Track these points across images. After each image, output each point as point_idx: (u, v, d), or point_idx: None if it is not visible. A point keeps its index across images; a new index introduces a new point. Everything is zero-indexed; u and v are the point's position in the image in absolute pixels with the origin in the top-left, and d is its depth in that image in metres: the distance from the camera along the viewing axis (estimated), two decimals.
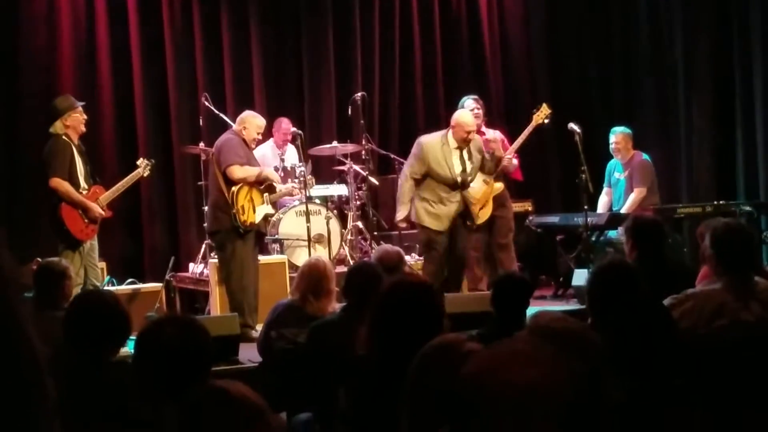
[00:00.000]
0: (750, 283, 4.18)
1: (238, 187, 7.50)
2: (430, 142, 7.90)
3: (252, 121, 7.74)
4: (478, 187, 8.20)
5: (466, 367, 1.42)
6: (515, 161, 8.74)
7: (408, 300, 3.31)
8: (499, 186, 8.55)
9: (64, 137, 7.28)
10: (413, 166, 7.88)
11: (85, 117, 7.45)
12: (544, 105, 8.69)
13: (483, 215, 8.42)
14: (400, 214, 7.98)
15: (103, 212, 7.46)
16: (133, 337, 6.48)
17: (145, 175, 7.98)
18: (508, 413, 1.35)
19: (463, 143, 7.85)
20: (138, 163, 7.96)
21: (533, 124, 8.65)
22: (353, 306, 4.46)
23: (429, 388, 2.47)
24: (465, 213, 8.03)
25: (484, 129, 8.70)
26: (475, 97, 8.81)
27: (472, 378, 1.40)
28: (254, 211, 7.64)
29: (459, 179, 7.85)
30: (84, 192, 7.39)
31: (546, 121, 8.68)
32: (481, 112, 8.63)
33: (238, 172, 7.51)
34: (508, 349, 1.43)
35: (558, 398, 1.36)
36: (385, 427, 2.81)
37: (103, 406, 3.19)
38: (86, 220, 7.32)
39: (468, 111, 8.15)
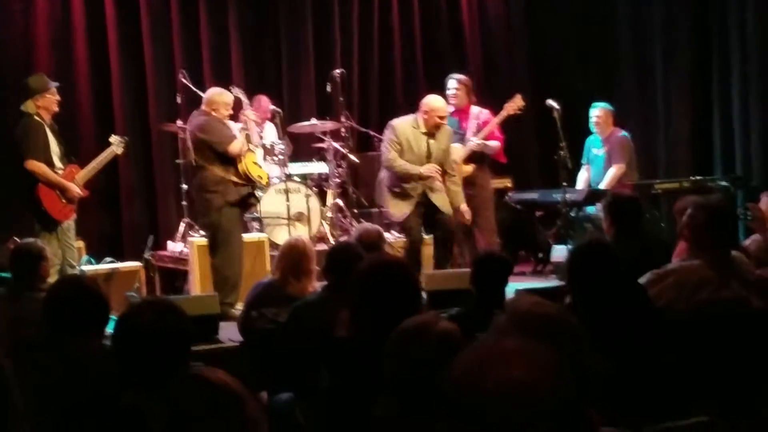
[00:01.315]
0: (729, 260, 4.22)
1: (242, 163, 7.48)
2: (402, 124, 7.80)
3: (219, 100, 7.69)
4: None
5: (453, 369, 1.42)
6: (496, 143, 8.75)
7: (383, 279, 3.32)
8: (467, 169, 8.57)
9: (36, 117, 7.22)
10: (391, 151, 7.75)
11: (59, 98, 7.38)
12: (518, 96, 8.67)
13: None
14: (422, 170, 7.70)
15: (80, 192, 7.41)
16: (113, 317, 6.53)
17: (119, 152, 7.89)
18: (498, 414, 1.35)
19: (434, 129, 7.73)
20: (111, 140, 7.86)
21: (504, 113, 8.64)
22: (334, 286, 4.47)
23: (404, 369, 2.48)
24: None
25: (471, 108, 8.71)
26: (459, 77, 8.79)
27: (459, 380, 1.40)
28: (260, 167, 7.79)
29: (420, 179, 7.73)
30: (60, 172, 7.33)
31: (518, 112, 8.67)
32: (461, 93, 8.62)
33: (236, 146, 7.51)
34: (495, 348, 1.43)
35: (549, 396, 1.36)
36: (366, 408, 2.82)
37: (83, 391, 3.20)
38: (64, 201, 7.28)
39: (438, 97, 7.99)
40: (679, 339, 3.59)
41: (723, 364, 3.59)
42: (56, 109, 7.38)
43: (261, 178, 7.71)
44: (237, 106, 8.04)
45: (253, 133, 8.06)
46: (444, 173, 7.85)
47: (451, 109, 8.52)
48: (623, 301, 2.80)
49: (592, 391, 1.99)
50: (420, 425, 2.34)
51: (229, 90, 8.06)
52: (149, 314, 2.47)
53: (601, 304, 2.81)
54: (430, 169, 7.69)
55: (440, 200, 7.85)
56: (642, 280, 4.11)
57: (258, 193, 8.18)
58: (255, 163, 7.71)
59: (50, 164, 7.28)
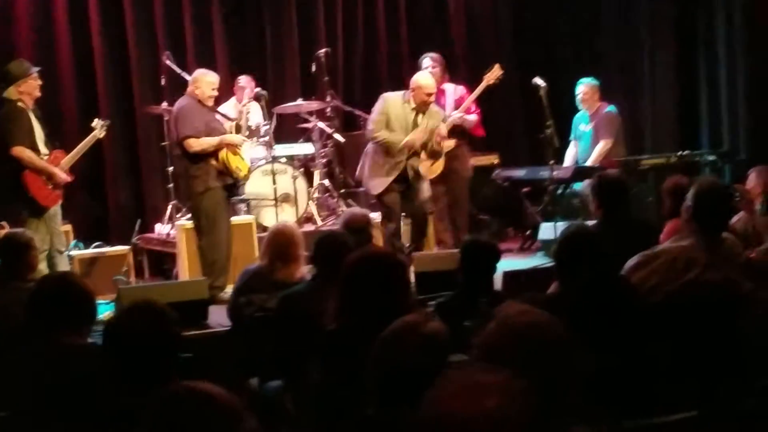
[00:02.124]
0: (719, 242, 4.23)
1: (222, 152, 7.44)
2: (393, 98, 7.87)
3: (203, 79, 7.61)
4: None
5: (425, 404, 1.42)
6: (474, 117, 8.75)
7: (371, 272, 3.32)
8: (450, 143, 8.58)
9: (18, 103, 7.16)
10: (377, 122, 7.81)
11: (40, 82, 7.32)
12: (497, 66, 8.64)
13: (435, 170, 8.49)
14: (407, 140, 7.76)
15: (66, 177, 7.38)
16: (101, 301, 6.52)
17: (101, 136, 7.84)
18: None
19: (423, 106, 7.79)
20: (93, 125, 7.81)
21: (483, 84, 8.63)
22: (322, 275, 4.47)
23: (391, 372, 2.49)
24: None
25: (445, 86, 8.71)
26: (433, 55, 8.80)
27: (431, 415, 1.40)
28: (243, 159, 7.70)
29: (402, 150, 7.75)
30: (45, 157, 7.29)
31: (497, 82, 8.66)
32: (437, 70, 8.62)
33: (194, 145, 7.36)
34: (466, 380, 1.43)
35: (521, 426, 1.37)
36: (355, 401, 2.83)
37: (64, 385, 3.21)
38: (50, 186, 7.24)
39: (427, 74, 8.05)
40: (665, 323, 3.61)
41: (708, 349, 3.62)
42: (38, 94, 7.32)
43: (240, 169, 7.58)
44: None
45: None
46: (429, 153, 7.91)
47: None
48: (609, 292, 2.80)
49: (578, 393, 1.99)
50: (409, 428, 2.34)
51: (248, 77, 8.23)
52: (138, 319, 2.46)
53: (588, 294, 2.81)
54: (412, 138, 7.74)
55: (423, 168, 7.98)
56: (631, 262, 4.12)
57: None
58: (236, 155, 7.61)
59: (35, 150, 7.23)
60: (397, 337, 2.53)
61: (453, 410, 1.38)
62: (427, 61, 8.71)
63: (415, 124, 7.83)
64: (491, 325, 2.05)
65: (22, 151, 7.13)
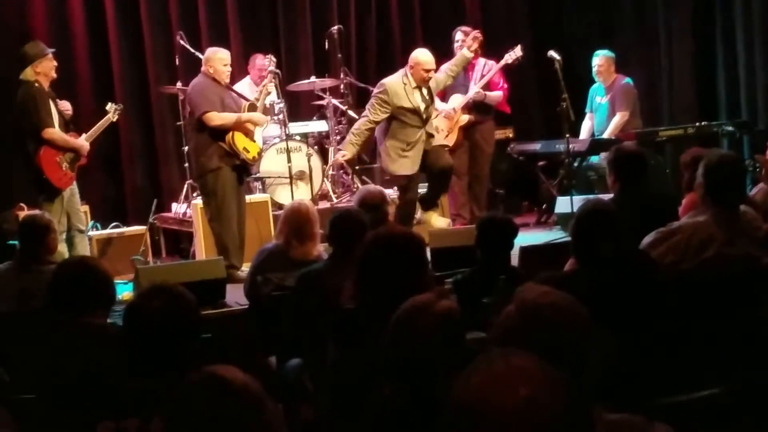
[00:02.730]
0: (737, 217, 4.19)
1: (230, 134, 7.44)
2: (393, 82, 7.80)
3: (214, 56, 7.62)
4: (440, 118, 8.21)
5: (456, 390, 1.40)
6: (499, 93, 8.74)
7: (387, 252, 3.31)
8: (464, 117, 8.59)
9: (36, 85, 7.17)
10: (376, 111, 7.73)
11: (55, 63, 7.32)
12: (519, 47, 8.61)
13: (448, 142, 8.62)
14: (346, 155, 7.86)
15: (87, 147, 7.37)
16: (119, 281, 6.54)
17: (114, 119, 7.85)
18: None
19: (423, 82, 7.75)
20: (107, 108, 7.82)
21: (502, 62, 8.61)
22: (339, 254, 4.46)
23: (405, 353, 2.49)
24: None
25: (477, 60, 8.71)
26: (465, 29, 8.78)
27: (463, 402, 1.39)
28: (254, 141, 7.68)
29: (424, 115, 7.77)
30: None
31: (516, 62, 8.63)
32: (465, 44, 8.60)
33: (215, 119, 7.40)
34: (500, 367, 1.41)
35: (556, 415, 1.35)
36: (373, 380, 2.83)
37: (84, 367, 3.23)
38: (64, 168, 7.23)
39: (425, 51, 7.95)
40: (686, 299, 3.60)
41: (729, 324, 3.61)
42: (54, 75, 7.31)
43: (247, 151, 7.57)
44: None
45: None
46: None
47: None
48: (628, 268, 2.78)
49: (599, 375, 1.98)
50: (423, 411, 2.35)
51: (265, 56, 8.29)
52: (158, 302, 2.47)
53: (606, 271, 2.80)
54: (341, 158, 7.94)
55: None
56: (648, 239, 4.09)
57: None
58: (247, 136, 7.60)
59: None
60: (409, 317, 2.53)
61: (485, 399, 1.36)
62: (459, 35, 8.72)
63: (424, 99, 7.80)
64: (511, 307, 2.04)
65: (53, 133, 7.14)
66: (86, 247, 7.41)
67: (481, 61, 8.80)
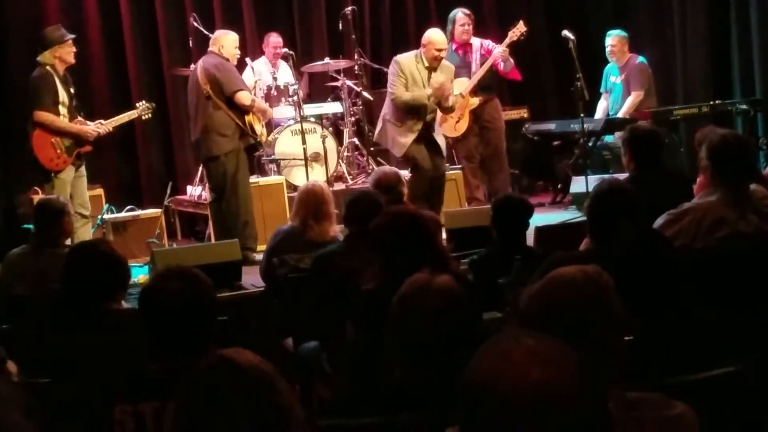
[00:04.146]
0: (747, 194, 4.17)
1: (250, 115, 7.47)
2: (406, 59, 7.82)
3: (225, 37, 7.65)
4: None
5: (470, 370, 1.40)
6: (510, 62, 8.65)
7: (402, 232, 3.32)
8: (474, 101, 8.56)
9: (48, 68, 7.17)
10: (398, 86, 7.76)
11: (74, 49, 7.33)
12: (521, 22, 8.56)
13: (459, 128, 8.59)
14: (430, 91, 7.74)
15: (94, 132, 7.30)
16: (135, 264, 6.55)
17: (144, 118, 7.84)
18: (517, 418, 1.34)
19: (435, 62, 7.74)
20: (137, 105, 7.82)
21: (507, 40, 8.56)
22: (355, 235, 4.46)
23: (410, 334, 2.49)
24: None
25: (472, 40, 8.68)
26: (467, 11, 8.72)
27: (476, 382, 1.38)
28: (263, 126, 7.77)
29: (431, 100, 7.73)
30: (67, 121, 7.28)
31: (521, 38, 8.58)
32: (470, 28, 8.61)
33: (246, 98, 7.47)
34: (513, 348, 1.40)
35: (571, 398, 1.35)
36: (389, 361, 2.83)
37: (101, 349, 3.25)
38: (58, 151, 7.22)
39: (438, 30, 7.98)
40: (700, 278, 3.59)
41: (743, 301, 3.60)
42: (72, 60, 7.32)
43: (263, 134, 7.72)
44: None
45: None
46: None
47: (453, 45, 8.63)
48: (644, 248, 2.78)
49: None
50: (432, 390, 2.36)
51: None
52: (174, 284, 2.47)
53: (623, 251, 2.79)
54: (434, 85, 7.72)
55: (448, 127, 8.14)
56: (660, 220, 4.09)
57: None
58: (259, 121, 7.68)
59: (56, 114, 7.22)
60: (409, 298, 2.53)
61: (497, 380, 1.36)
62: (462, 17, 8.70)
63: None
64: (534, 285, 2.04)
65: (43, 115, 7.14)
66: (88, 233, 7.32)
67: (476, 40, 8.74)
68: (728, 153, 4.15)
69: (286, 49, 8.99)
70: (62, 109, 7.25)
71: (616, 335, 1.98)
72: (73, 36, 7.36)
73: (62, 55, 7.21)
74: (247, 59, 9.06)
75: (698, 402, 1.95)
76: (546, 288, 2.01)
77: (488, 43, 8.69)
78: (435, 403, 2.34)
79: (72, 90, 7.34)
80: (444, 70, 7.84)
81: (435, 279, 2.61)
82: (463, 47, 8.70)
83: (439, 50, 7.74)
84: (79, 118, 7.35)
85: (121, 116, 7.63)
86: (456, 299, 2.56)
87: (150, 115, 7.86)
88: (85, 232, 7.25)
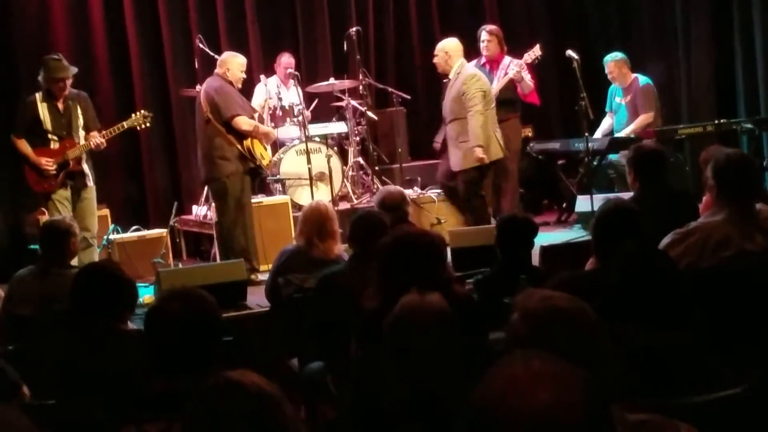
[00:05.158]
0: (753, 213, 4.17)
1: (248, 140, 7.49)
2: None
3: (233, 60, 7.68)
4: None
5: (476, 393, 1.40)
6: (530, 83, 8.70)
7: (407, 253, 3.33)
8: None
9: (40, 94, 7.23)
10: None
11: (68, 86, 7.27)
12: (537, 46, 8.61)
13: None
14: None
15: (49, 167, 7.19)
16: (141, 284, 6.56)
17: (142, 127, 7.80)
18: None
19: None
20: (136, 114, 7.81)
21: (521, 62, 8.61)
22: (360, 255, 4.47)
23: (404, 354, 2.51)
24: None
25: (505, 58, 8.76)
26: (490, 27, 8.91)
27: (483, 405, 1.38)
28: (266, 149, 7.82)
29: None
30: (55, 145, 7.27)
31: (535, 61, 8.63)
32: (492, 43, 8.74)
33: (244, 124, 7.48)
34: (521, 370, 1.41)
35: (578, 420, 1.34)
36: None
37: (107, 369, 3.25)
38: (43, 172, 7.21)
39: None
40: (706, 297, 3.59)
41: (749, 315, 3.59)
42: (66, 93, 7.27)
43: (263, 158, 7.72)
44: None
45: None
46: None
47: (483, 60, 8.78)
48: (649, 267, 2.78)
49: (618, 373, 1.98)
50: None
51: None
52: (177, 305, 2.48)
53: (628, 270, 2.79)
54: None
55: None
56: (665, 240, 4.09)
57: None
58: (261, 144, 7.70)
59: (43, 138, 7.23)
60: (402, 320, 2.55)
61: (506, 403, 1.36)
62: (484, 34, 8.81)
63: None
64: (514, 317, 2.05)
65: (12, 139, 7.27)
66: (90, 258, 7.20)
67: (507, 59, 8.81)
68: (733, 172, 4.15)
69: (291, 70, 9.04)
70: (49, 135, 7.24)
71: (600, 358, 1.98)
72: (75, 70, 7.34)
73: (52, 88, 7.22)
74: (262, 76, 9.10)
75: (703, 424, 1.95)
76: (521, 320, 2.02)
77: (516, 62, 8.70)
78: (437, 420, 2.34)
79: (79, 110, 7.35)
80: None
81: (425, 299, 2.63)
82: (491, 63, 8.77)
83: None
84: (66, 141, 7.31)
85: (113, 128, 7.56)
86: (445, 317, 2.59)
87: (149, 123, 7.79)
88: (85, 257, 7.11)
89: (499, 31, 8.88)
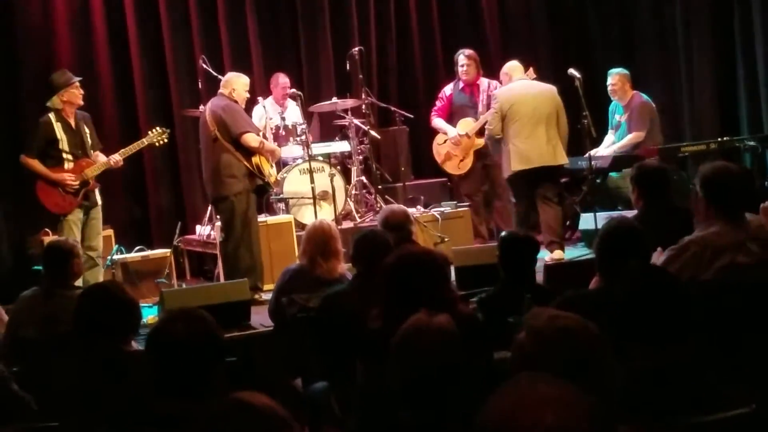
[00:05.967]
0: (744, 223, 4.16)
1: (257, 157, 7.52)
2: None
3: (237, 81, 7.73)
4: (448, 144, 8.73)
5: (485, 414, 1.40)
6: None
7: (411, 272, 3.32)
8: (480, 141, 8.71)
9: (52, 114, 7.26)
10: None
11: (82, 92, 7.40)
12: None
13: (463, 166, 8.93)
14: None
15: (74, 183, 7.27)
16: (144, 304, 6.55)
17: (158, 144, 7.85)
18: None
19: None
20: (149, 132, 7.83)
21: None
22: (363, 275, 4.46)
23: (410, 375, 2.50)
24: None
25: (480, 81, 8.82)
26: (467, 51, 8.94)
27: (491, 427, 1.38)
28: (272, 167, 7.87)
29: None
30: (70, 164, 7.31)
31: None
32: (470, 67, 8.83)
33: (253, 140, 7.52)
34: (528, 393, 1.40)
35: None
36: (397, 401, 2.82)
37: (111, 392, 3.24)
38: (63, 193, 7.25)
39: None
40: (706, 310, 3.57)
41: (745, 328, 3.58)
42: (80, 102, 7.39)
43: (271, 175, 7.78)
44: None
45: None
46: None
47: (461, 84, 8.93)
48: (653, 285, 2.78)
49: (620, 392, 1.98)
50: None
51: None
52: (179, 326, 2.48)
53: (632, 288, 2.79)
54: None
55: (451, 166, 8.81)
56: (662, 258, 4.08)
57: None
58: (267, 161, 7.74)
59: (57, 158, 7.26)
60: (409, 341, 2.54)
61: (512, 425, 1.36)
62: (462, 58, 8.83)
63: None
64: (521, 336, 2.04)
65: (25, 161, 7.28)
66: (96, 278, 7.24)
67: (484, 81, 8.90)
68: (720, 184, 4.15)
69: (294, 90, 9.06)
70: (65, 154, 7.27)
71: (606, 378, 1.97)
72: (79, 79, 7.41)
73: (70, 98, 7.28)
74: (259, 98, 9.12)
75: None
76: (529, 340, 2.02)
77: (495, 84, 8.74)
78: None
79: (87, 130, 7.40)
80: None
81: (432, 319, 2.62)
82: (470, 87, 8.81)
83: None
84: (83, 159, 7.35)
85: (131, 146, 7.63)
86: (453, 339, 2.58)
87: (166, 140, 7.86)
88: (91, 276, 7.16)
89: (476, 55, 9.04)
